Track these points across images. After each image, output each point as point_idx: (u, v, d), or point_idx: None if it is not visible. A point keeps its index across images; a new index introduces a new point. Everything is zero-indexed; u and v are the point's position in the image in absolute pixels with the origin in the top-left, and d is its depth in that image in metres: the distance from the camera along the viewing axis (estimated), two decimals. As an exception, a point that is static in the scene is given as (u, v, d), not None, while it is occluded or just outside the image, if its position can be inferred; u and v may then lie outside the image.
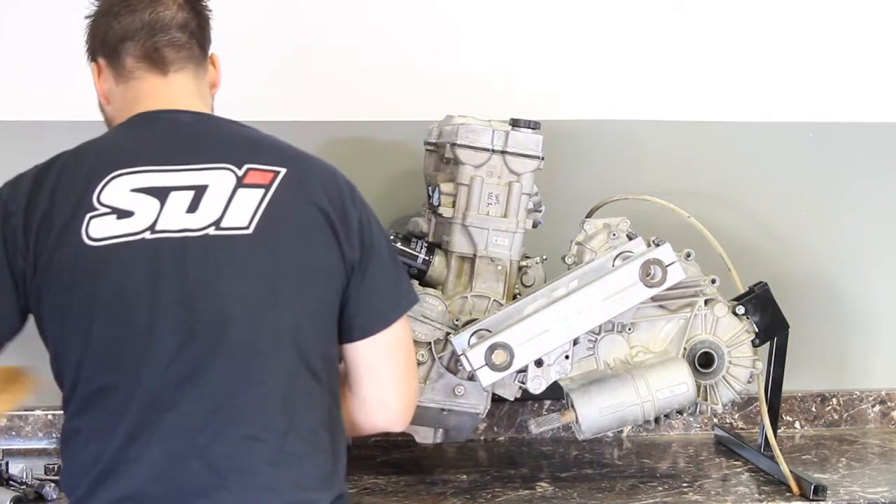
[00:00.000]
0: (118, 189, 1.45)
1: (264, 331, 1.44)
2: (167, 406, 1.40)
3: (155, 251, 1.42)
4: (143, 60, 1.57)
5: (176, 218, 1.44)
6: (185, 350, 1.41)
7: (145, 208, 1.44)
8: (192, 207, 1.44)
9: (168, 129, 1.54)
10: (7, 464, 1.90)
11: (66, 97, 2.19)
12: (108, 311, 1.42)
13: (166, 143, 1.52)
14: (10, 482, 1.87)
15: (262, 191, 1.47)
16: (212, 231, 1.43)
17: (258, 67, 2.19)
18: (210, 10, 1.65)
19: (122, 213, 1.43)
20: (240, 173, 1.47)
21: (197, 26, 1.60)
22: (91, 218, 1.43)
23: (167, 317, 1.41)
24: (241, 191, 1.46)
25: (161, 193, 1.45)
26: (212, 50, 1.66)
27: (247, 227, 1.44)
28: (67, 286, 1.43)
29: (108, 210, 1.43)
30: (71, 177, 1.48)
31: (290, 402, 1.44)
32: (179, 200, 1.45)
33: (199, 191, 1.45)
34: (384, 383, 1.58)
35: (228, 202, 1.45)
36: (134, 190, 1.45)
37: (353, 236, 1.51)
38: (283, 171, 1.49)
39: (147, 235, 1.43)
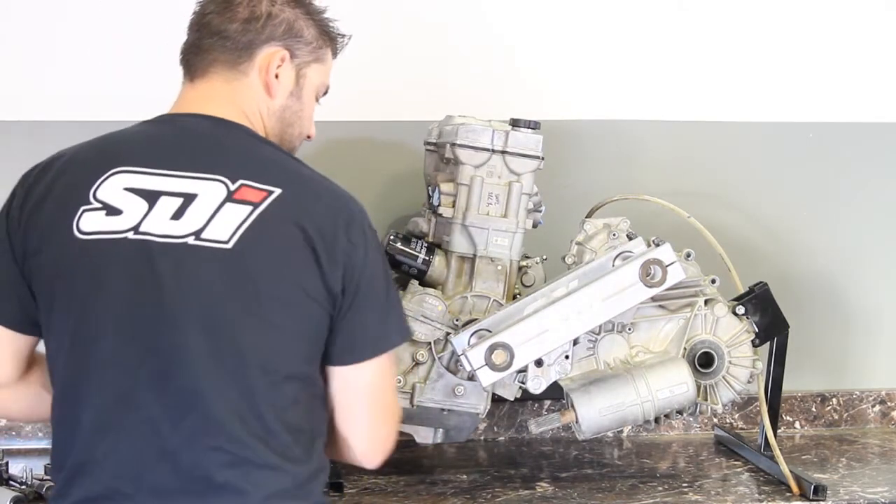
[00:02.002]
0: (113, 186, 1.45)
1: (229, 344, 1.42)
2: (134, 406, 1.41)
3: (134, 252, 1.42)
4: (181, 64, 1.61)
5: (160, 222, 1.43)
6: (154, 352, 1.41)
7: (133, 208, 1.44)
8: (178, 214, 1.44)
9: (176, 133, 1.54)
10: (7, 464, 1.90)
11: (66, 97, 2.19)
12: (83, 304, 1.42)
13: (169, 147, 1.51)
14: (10, 482, 1.87)
15: (250, 208, 1.44)
16: (191, 240, 1.42)
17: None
18: (278, 7, 1.59)
19: (112, 210, 1.44)
20: (232, 188, 1.46)
21: (242, 28, 1.56)
22: (84, 211, 1.44)
23: (139, 317, 1.42)
24: (228, 205, 1.45)
25: (151, 196, 1.45)
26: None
27: (226, 242, 1.43)
28: (53, 276, 1.44)
29: (99, 206, 1.44)
30: (75, 169, 1.48)
31: (257, 413, 1.42)
32: (167, 206, 1.44)
33: (188, 199, 1.45)
34: (350, 419, 1.52)
35: (213, 214, 1.44)
36: (127, 189, 1.45)
37: (336, 266, 1.45)
38: (277, 191, 1.45)
39: (130, 235, 1.43)
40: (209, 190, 1.46)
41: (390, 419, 1.56)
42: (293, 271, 1.44)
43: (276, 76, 1.58)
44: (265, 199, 1.45)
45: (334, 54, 1.70)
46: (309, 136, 1.68)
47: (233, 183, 1.46)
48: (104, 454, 1.40)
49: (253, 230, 1.43)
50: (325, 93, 1.70)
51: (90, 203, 1.44)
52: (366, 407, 1.51)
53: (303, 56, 1.61)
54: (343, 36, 1.69)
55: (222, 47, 1.57)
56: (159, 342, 1.41)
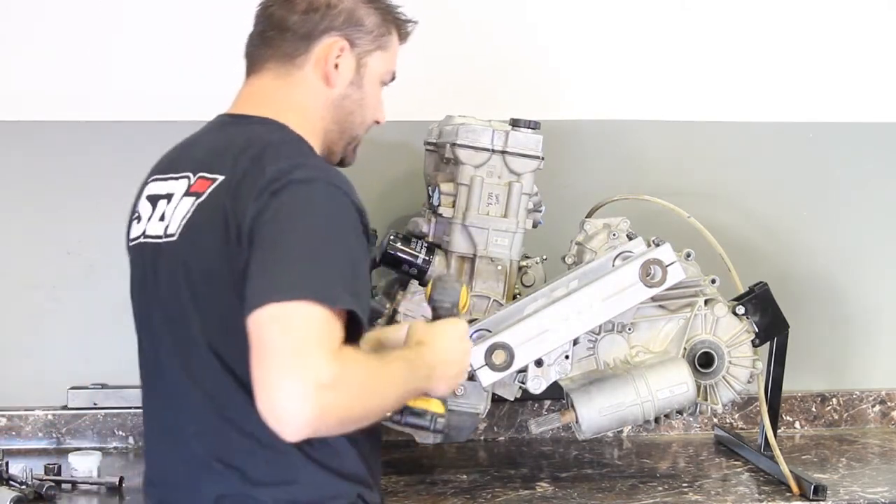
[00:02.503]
0: (144, 194, 1.57)
1: (184, 337, 1.45)
2: (145, 398, 1.56)
3: (142, 255, 1.53)
4: (245, 57, 1.63)
5: (154, 225, 1.52)
6: (151, 349, 1.53)
7: (146, 214, 1.54)
8: (162, 216, 1.50)
9: (198, 136, 1.59)
10: (7, 464, 1.91)
11: (66, 97, 2.20)
12: (134, 306, 1.58)
13: (180, 151, 1.58)
14: (10, 482, 1.87)
15: (194, 199, 1.47)
16: (162, 239, 1.49)
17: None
18: (322, 6, 1.58)
19: (138, 218, 1.56)
20: (192, 181, 1.49)
21: (301, 19, 1.57)
22: (132, 219, 1.58)
23: (143, 318, 1.54)
24: (183, 199, 1.48)
25: (155, 201, 1.53)
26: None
27: (174, 236, 1.47)
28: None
29: (136, 214, 1.57)
30: (145, 177, 1.60)
31: (219, 403, 1.44)
32: (159, 208, 1.52)
33: (168, 199, 1.51)
34: (252, 367, 1.33)
35: (174, 211, 1.49)
36: (148, 196, 1.55)
37: (243, 235, 1.39)
38: (220, 178, 1.45)
39: (141, 240, 1.53)
40: (179, 187, 1.50)
41: (284, 382, 1.27)
42: (218, 255, 1.42)
43: (336, 66, 1.58)
44: (209, 187, 1.46)
45: (402, 39, 1.69)
46: (378, 122, 1.68)
47: (194, 176, 1.49)
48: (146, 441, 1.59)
49: (190, 221, 1.46)
50: (393, 78, 1.69)
51: (135, 211, 1.58)
52: (255, 364, 1.30)
53: (363, 45, 1.61)
54: (409, 22, 1.68)
55: (281, 40, 1.58)
56: (147, 341, 1.53)
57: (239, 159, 1.44)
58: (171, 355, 1.48)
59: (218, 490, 1.44)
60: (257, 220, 1.37)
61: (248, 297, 1.32)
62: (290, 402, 1.25)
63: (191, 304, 1.45)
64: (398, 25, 1.67)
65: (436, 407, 1.47)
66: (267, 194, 1.37)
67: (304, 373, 1.26)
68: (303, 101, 1.57)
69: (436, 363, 1.46)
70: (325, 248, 1.36)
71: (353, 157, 1.69)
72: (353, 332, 1.35)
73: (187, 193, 1.48)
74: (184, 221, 1.46)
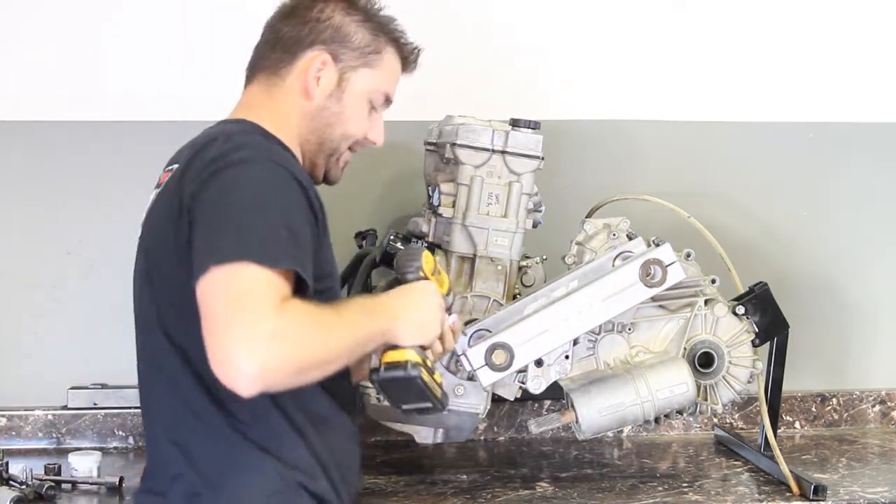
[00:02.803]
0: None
1: (147, 323, 1.53)
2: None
3: (137, 250, 1.61)
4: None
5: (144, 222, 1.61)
6: (137, 338, 1.60)
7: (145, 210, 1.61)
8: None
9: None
10: (7, 464, 1.91)
11: (66, 97, 2.19)
12: None
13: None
14: (10, 482, 1.87)
15: (157, 191, 1.57)
16: (141, 233, 1.60)
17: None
18: (329, 12, 1.65)
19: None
20: (161, 177, 1.60)
21: (290, 32, 1.64)
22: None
23: (134, 309, 1.61)
24: (153, 192, 1.59)
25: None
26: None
27: (143, 228, 1.58)
28: None
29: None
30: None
31: (174, 385, 1.50)
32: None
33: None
34: (203, 333, 1.36)
35: (148, 206, 1.59)
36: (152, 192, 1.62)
37: (184, 214, 1.44)
38: (175, 167, 1.53)
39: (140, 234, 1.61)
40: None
41: (231, 339, 1.31)
42: (168, 238, 1.47)
43: (318, 79, 1.63)
44: (167, 178, 1.54)
45: (405, 66, 1.73)
46: (371, 141, 1.71)
47: (164, 172, 1.59)
48: None
49: (150, 210, 1.56)
50: (388, 101, 1.72)
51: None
52: (204, 329, 1.34)
53: (348, 60, 1.64)
54: (408, 44, 1.72)
55: (271, 52, 1.65)
56: (136, 331, 1.61)
57: (194, 148, 1.50)
58: (141, 342, 1.57)
59: (173, 471, 1.49)
60: (197, 198, 1.42)
61: (194, 271, 1.36)
62: (239, 356, 1.29)
63: (149, 289, 1.53)
64: (398, 48, 1.70)
65: (411, 356, 1.49)
66: (206, 174, 1.43)
67: (248, 327, 1.30)
68: (281, 109, 1.62)
69: (398, 309, 1.50)
70: (263, 215, 1.40)
71: (339, 172, 1.72)
72: (301, 294, 1.39)
73: (156, 186, 1.58)
74: (147, 213, 1.56)
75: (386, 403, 1.89)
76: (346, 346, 1.42)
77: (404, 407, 1.55)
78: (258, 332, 1.30)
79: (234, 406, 1.45)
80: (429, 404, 1.55)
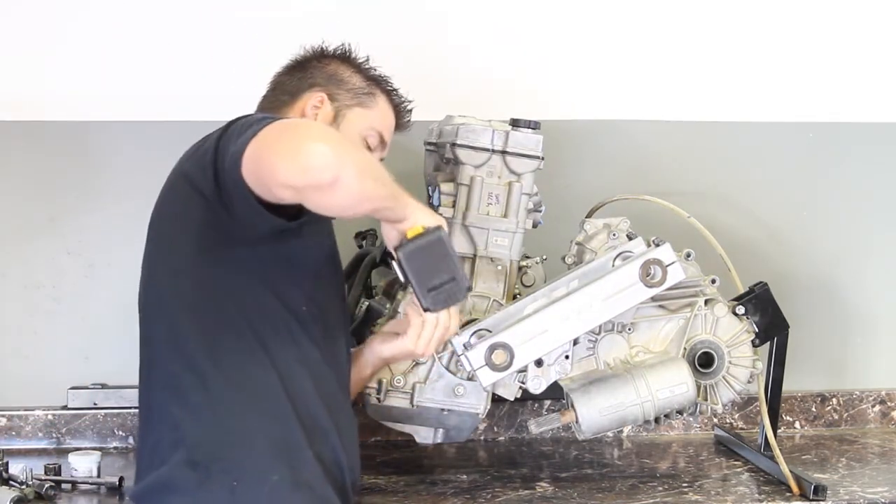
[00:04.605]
0: None
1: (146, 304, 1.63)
2: None
3: None
4: None
5: None
6: None
7: None
8: None
9: None
10: (7, 464, 1.90)
11: (66, 97, 2.20)
12: None
13: None
14: (10, 482, 1.87)
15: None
16: None
17: (263, 67, 2.19)
18: (324, 56, 1.87)
19: None
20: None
21: (292, 79, 1.85)
22: None
23: None
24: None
25: None
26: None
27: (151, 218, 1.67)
28: None
29: None
30: None
31: (149, 360, 1.62)
32: None
33: None
34: (262, 159, 1.41)
35: None
36: None
37: (206, 165, 1.52)
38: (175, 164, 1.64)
39: None
40: None
41: (298, 143, 1.38)
42: (173, 211, 1.59)
43: (315, 116, 1.79)
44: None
45: (398, 116, 1.91)
46: None
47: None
48: None
49: (157, 202, 1.65)
50: (382, 143, 1.88)
51: None
52: (261, 166, 1.40)
53: (343, 99, 1.84)
54: (400, 97, 1.92)
55: (274, 97, 1.84)
56: None
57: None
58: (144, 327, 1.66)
59: (155, 435, 1.56)
60: (217, 149, 1.49)
61: (228, 165, 1.44)
62: (312, 145, 1.34)
63: (147, 269, 1.65)
64: (390, 98, 1.89)
65: (435, 222, 1.55)
66: (216, 135, 1.52)
67: (315, 127, 1.46)
68: None
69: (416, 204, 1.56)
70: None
71: None
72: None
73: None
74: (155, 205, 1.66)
75: (386, 403, 1.90)
76: (382, 184, 1.45)
77: (429, 286, 1.53)
78: (326, 129, 1.45)
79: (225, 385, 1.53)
80: (454, 275, 1.54)
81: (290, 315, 1.57)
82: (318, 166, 1.33)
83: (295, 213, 1.49)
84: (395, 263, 1.53)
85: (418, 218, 1.52)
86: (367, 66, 1.89)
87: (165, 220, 1.60)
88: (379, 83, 1.88)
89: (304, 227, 1.53)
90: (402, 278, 1.54)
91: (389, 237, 1.57)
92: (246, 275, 1.54)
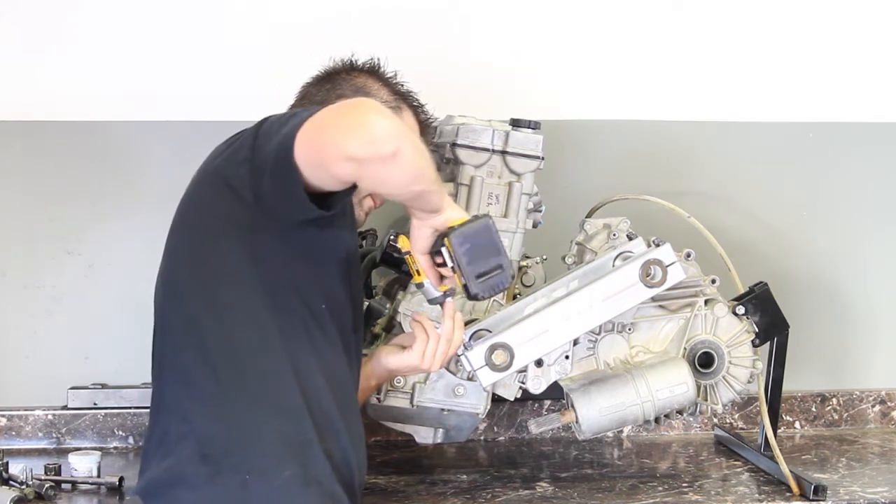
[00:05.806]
0: None
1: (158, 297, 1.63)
2: None
3: None
4: None
5: None
6: None
7: None
8: None
9: None
10: (7, 464, 1.90)
11: (66, 97, 2.19)
12: None
13: None
14: (10, 482, 1.87)
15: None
16: None
17: (263, 67, 2.19)
18: (353, 69, 1.87)
19: None
20: None
21: (320, 90, 1.85)
22: None
23: None
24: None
25: None
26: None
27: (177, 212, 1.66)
28: None
29: None
30: None
31: (161, 355, 1.62)
32: None
33: None
34: (324, 135, 1.44)
35: None
36: None
37: (240, 161, 1.52)
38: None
39: None
40: None
41: (360, 117, 1.43)
42: (200, 206, 1.58)
43: None
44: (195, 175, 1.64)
45: (423, 132, 1.87)
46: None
47: None
48: None
49: (184, 196, 1.64)
50: None
51: None
52: (320, 146, 1.44)
53: None
54: (426, 113, 1.90)
55: (301, 106, 1.82)
56: None
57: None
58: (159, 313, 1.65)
59: (163, 426, 1.55)
60: (252, 146, 1.50)
61: (275, 154, 1.44)
62: (372, 118, 1.40)
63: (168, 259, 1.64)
64: (416, 113, 1.88)
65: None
66: (251, 132, 1.52)
67: (374, 106, 1.43)
68: None
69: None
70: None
71: (363, 215, 1.86)
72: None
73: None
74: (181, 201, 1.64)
75: (386, 403, 1.90)
76: (428, 171, 1.47)
77: (478, 272, 1.54)
78: (384, 107, 1.44)
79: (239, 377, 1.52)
80: (502, 263, 1.55)
81: (309, 312, 1.56)
82: (382, 137, 1.39)
83: (326, 208, 1.51)
84: (444, 250, 1.54)
85: (453, 211, 1.56)
86: (395, 81, 1.88)
87: (192, 214, 1.59)
88: (406, 98, 1.88)
89: (336, 219, 1.55)
90: (450, 265, 1.55)
91: (419, 232, 1.58)
92: (271, 271, 1.54)
